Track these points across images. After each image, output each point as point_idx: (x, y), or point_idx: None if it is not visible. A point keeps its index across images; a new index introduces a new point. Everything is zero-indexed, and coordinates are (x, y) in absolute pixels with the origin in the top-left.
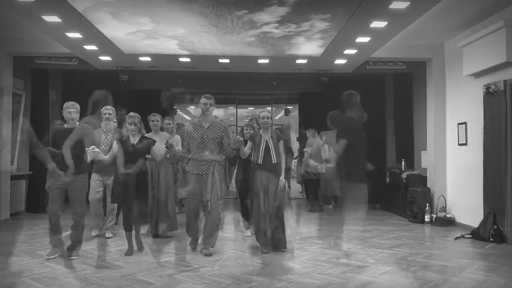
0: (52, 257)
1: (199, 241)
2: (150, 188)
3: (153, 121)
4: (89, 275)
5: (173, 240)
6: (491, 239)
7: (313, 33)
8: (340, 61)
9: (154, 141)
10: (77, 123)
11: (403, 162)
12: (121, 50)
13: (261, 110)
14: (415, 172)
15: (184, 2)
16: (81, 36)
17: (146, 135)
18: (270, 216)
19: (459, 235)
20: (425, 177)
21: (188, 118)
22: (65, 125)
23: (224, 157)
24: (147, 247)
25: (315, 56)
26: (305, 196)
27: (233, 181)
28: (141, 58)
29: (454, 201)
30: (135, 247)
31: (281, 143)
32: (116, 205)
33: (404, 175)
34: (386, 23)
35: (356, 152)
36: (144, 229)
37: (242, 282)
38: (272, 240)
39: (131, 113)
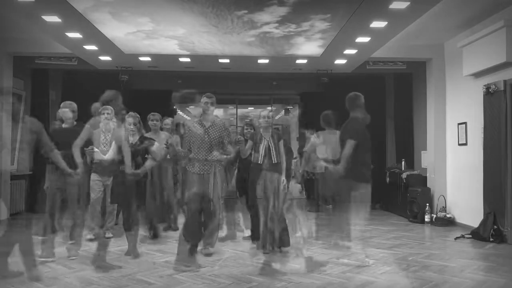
0: (50, 259)
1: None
2: (150, 188)
3: (152, 120)
4: (89, 275)
5: (173, 240)
6: (491, 239)
7: (313, 33)
8: (340, 61)
9: (154, 141)
10: (75, 122)
11: (403, 162)
12: (121, 50)
13: (261, 109)
14: (415, 172)
15: (184, 2)
16: (81, 36)
17: (146, 135)
18: (275, 216)
19: (459, 235)
20: (425, 177)
21: (188, 118)
22: (63, 125)
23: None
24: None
25: (315, 56)
26: (305, 196)
27: (233, 181)
28: (141, 58)
29: (454, 201)
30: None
31: (281, 142)
32: (116, 205)
33: (404, 175)
34: (386, 23)
35: (362, 152)
36: (144, 231)
37: (242, 282)
38: (279, 240)
39: (131, 113)
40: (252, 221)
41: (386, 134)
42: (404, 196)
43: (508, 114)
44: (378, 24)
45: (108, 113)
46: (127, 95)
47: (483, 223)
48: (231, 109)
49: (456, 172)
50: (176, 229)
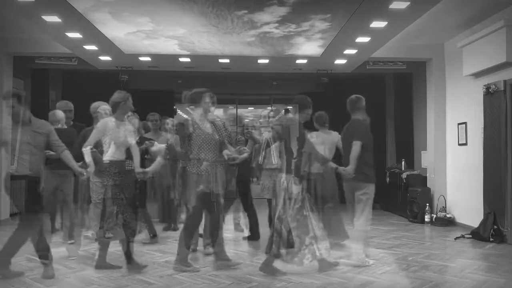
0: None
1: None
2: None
3: (152, 120)
4: (89, 275)
5: (173, 240)
6: (491, 239)
7: (313, 33)
8: (340, 61)
9: (153, 142)
10: (71, 122)
11: (403, 162)
12: (121, 50)
13: (262, 109)
14: (415, 172)
15: (184, 2)
16: (81, 36)
17: (145, 135)
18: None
19: (459, 235)
20: (425, 177)
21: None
22: (54, 127)
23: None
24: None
25: (315, 56)
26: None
27: (233, 181)
28: (141, 58)
29: (454, 201)
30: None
31: (282, 143)
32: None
33: (404, 175)
34: (386, 23)
35: (366, 153)
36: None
37: (242, 282)
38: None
39: (129, 113)
40: (250, 221)
41: (386, 134)
42: (404, 196)
43: (508, 114)
44: (378, 24)
45: (105, 113)
46: None
47: (483, 223)
48: (231, 109)
49: (456, 172)
50: (176, 229)
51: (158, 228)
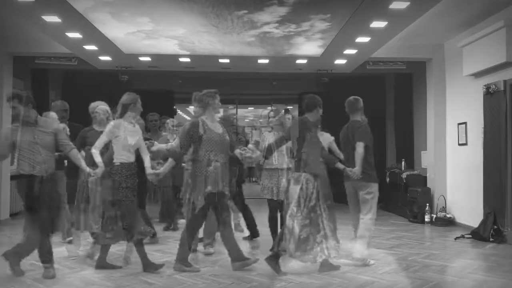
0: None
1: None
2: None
3: (151, 121)
4: (90, 275)
5: (173, 240)
6: (491, 239)
7: (313, 33)
8: (340, 61)
9: (153, 142)
10: (67, 122)
11: (403, 162)
12: (121, 50)
13: (262, 109)
14: (415, 172)
15: (184, 2)
16: (81, 36)
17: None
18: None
19: (459, 235)
20: (425, 177)
21: (188, 118)
22: None
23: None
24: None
25: (315, 56)
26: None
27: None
28: (141, 58)
29: (454, 201)
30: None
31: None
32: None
33: (404, 175)
34: (386, 23)
35: (368, 154)
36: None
37: (242, 282)
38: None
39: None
40: (246, 220)
41: (386, 134)
42: (404, 196)
43: (508, 114)
44: (378, 24)
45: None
46: None
47: (483, 223)
48: (231, 109)
49: (456, 172)
50: (176, 229)
51: (158, 228)
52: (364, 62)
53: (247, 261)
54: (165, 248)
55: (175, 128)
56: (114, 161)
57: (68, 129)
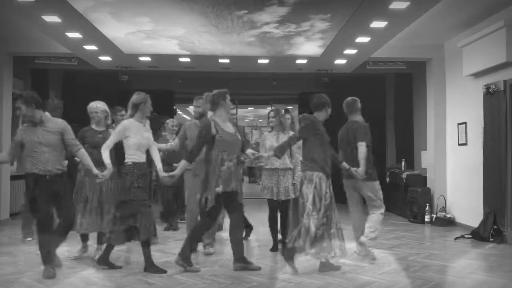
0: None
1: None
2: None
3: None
4: (90, 275)
5: (173, 240)
6: (491, 239)
7: (313, 33)
8: (340, 61)
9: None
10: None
11: (403, 162)
12: (121, 50)
13: (262, 109)
14: (415, 172)
15: (184, 2)
16: (81, 36)
17: None
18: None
19: (459, 235)
20: (425, 177)
21: (188, 118)
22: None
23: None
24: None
25: (315, 56)
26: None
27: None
28: (141, 58)
29: (454, 201)
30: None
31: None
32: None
33: (404, 175)
34: (386, 23)
35: (369, 153)
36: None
37: (242, 282)
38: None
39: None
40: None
41: (386, 134)
42: (404, 196)
43: (508, 114)
44: (378, 24)
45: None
46: (127, 95)
47: (483, 223)
48: (231, 109)
49: (456, 172)
50: (176, 229)
51: (159, 228)
52: (364, 62)
53: (249, 265)
54: (165, 248)
55: (174, 128)
56: (126, 160)
57: None
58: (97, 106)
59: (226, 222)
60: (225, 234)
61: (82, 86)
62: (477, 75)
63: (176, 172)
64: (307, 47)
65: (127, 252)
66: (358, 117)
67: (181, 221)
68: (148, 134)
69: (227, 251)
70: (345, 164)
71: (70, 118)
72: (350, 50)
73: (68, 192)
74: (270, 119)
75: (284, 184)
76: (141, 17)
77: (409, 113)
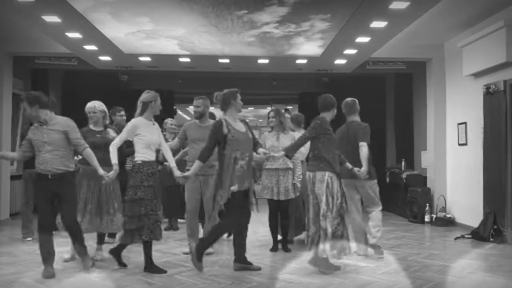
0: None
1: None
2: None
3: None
4: (90, 275)
5: (173, 240)
6: (491, 239)
7: (313, 33)
8: (340, 61)
9: None
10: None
11: (403, 162)
12: (121, 50)
13: (262, 109)
14: (415, 172)
15: (184, 2)
16: (81, 36)
17: None
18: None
19: (459, 235)
20: (425, 177)
21: (188, 118)
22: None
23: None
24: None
25: (315, 56)
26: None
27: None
28: (141, 58)
29: (454, 201)
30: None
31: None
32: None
33: (404, 175)
34: (386, 23)
35: (369, 153)
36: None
37: (242, 282)
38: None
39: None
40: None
41: (386, 134)
42: (404, 196)
43: (508, 114)
44: (378, 24)
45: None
46: (127, 95)
47: (483, 223)
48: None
49: (456, 172)
50: (177, 228)
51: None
52: (364, 62)
53: (249, 266)
54: (165, 248)
55: (174, 128)
56: (136, 159)
57: None
58: (95, 106)
59: None
60: (224, 234)
61: (82, 86)
62: (477, 75)
63: (190, 172)
64: (307, 47)
65: (127, 252)
66: (357, 118)
67: (181, 221)
68: (158, 132)
69: (227, 251)
70: (348, 164)
71: (70, 118)
72: (350, 50)
73: (70, 192)
74: (270, 119)
75: (284, 184)
76: (141, 17)
77: (409, 113)
